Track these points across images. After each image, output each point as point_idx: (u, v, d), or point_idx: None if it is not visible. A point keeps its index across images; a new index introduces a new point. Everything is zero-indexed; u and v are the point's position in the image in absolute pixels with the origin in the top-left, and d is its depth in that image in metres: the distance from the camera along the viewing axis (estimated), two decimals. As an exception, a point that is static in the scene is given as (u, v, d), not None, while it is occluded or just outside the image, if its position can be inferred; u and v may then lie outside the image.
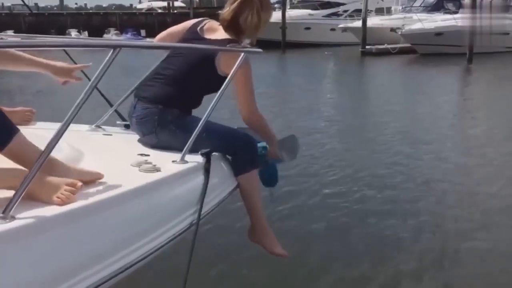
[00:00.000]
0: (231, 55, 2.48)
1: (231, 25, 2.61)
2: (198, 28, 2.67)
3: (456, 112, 10.12)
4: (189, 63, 2.55)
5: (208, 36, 2.64)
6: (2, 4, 50.42)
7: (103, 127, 2.89)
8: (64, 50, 2.68)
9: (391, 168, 5.80)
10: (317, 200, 4.79)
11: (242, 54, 2.44)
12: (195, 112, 2.59)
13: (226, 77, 2.43)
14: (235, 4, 2.61)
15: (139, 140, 2.56)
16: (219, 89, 2.40)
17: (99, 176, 1.82)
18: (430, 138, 7.36)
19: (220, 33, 2.64)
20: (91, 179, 1.79)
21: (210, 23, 2.71)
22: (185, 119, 2.47)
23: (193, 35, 2.65)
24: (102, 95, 2.94)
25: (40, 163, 1.49)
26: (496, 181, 5.33)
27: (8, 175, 1.59)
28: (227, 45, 2.54)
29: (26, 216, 1.44)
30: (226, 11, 2.64)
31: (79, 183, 1.63)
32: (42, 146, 1.58)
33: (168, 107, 2.47)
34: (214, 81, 2.49)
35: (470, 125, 8.76)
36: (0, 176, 1.59)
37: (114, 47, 1.61)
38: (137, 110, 2.53)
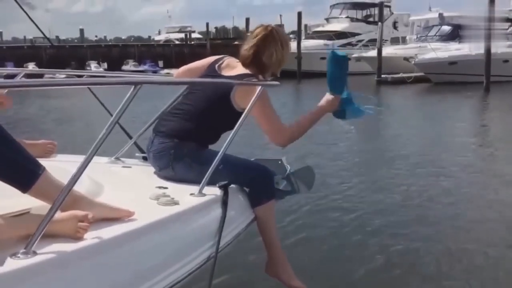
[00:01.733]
0: (246, 89, 2.48)
1: (254, 62, 2.60)
2: (217, 65, 2.66)
3: (475, 141, 10.01)
4: (206, 99, 2.55)
5: (225, 73, 2.63)
6: (25, 37, 51.74)
7: (122, 159, 2.93)
8: (90, 90, 2.75)
9: (407, 198, 5.75)
10: (333, 229, 4.75)
11: (260, 87, 2.47)
12: (212, 147, 2.61)
13: (242, 113, 2.44)
14: (257, 40, 2.60)
15: (157, 173, 2.59)
16: (234, 125, 2.42)
17: (129, 214, 1.81)
18: (447, 167, 7.29)
19: (238, 70, 2.62)
20: (120, 217, 1.80)
21: (229, 60, 2.70)
22: (201, 152, 2.48)
23: (211, 72, 2.65)
24: (122, 127, 2.98)
25: (61, 200, 1.52)
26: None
27: (30, 217, 1.61)
28: (245, 79, 2.53)
29: (47, 251, 1.46)
30: (247, 48, 2.61)
31: (90, 215, 1.64)
32: (63, 179, 1.61)
33: (185, 141, 2.47)
34: (231, 117, 2.48)
35: (489, 154, 8.68)
36: (23, 218, 1.61)
37: (136, 83, 1.65)
38: (154, 145, 2.54)
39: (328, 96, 2.82)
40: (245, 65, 2.62)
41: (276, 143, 2.63)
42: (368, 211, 5.23)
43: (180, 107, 2.63)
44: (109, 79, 1.64)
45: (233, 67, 2.65)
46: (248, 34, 2.77)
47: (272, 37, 2.60)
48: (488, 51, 20.84)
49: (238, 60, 2.68)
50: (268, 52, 2.59)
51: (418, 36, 30.34)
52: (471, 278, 3.73)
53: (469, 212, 5.26)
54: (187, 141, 2.48)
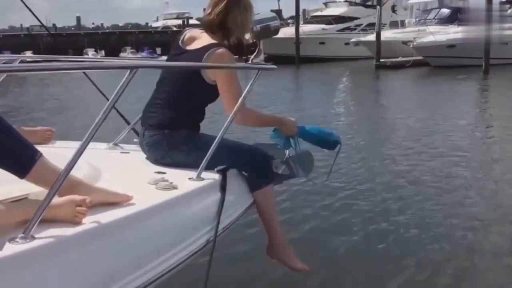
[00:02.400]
0: (214, 57, 2.42)
1: (219, 28, 2.54)
2: (180, 41, 2.60)
3: (474, 123, 10.01)
4: (178, 81, 2.51)
5: (190, 47, 2.56)
6: (21, 25, 51.44)
7: (120, 145, 2.94)
8: (85, 74, 2.74)
9: (407, 180, 5.75)
10: (330, 214, 4.76)
11: (258, 71, 2.46)
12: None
13: (216, 86, 2.46)
14: (221, 5, 2.53)
15: None
16: (216, 96, 2.46)
17: (127, 198, 1.82)
18: (448, 149, 7.29)
19: (203, 40, 2.54)
20: (118, 201, 1.80)
21: (191, 32, 2.64)
22: (196, 137, 2.48)
23: (177, 50, 2.59)
24: (120, 113, 2.98)
25: (58, 185, 1.52)
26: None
27: (27, 204, 1.61)
28: (211, 50, 2.43)
29: (45, 236, 1.46)
30: (210, 14, 2.55)
31: (88, 199, 1.64)
32: (62, 166, 1.61)
33: (174, 130, 2.46)
34: (208, 91, 2.49)
35: (490, 135, 8.69)
36: (22, 203, 1.61)
37: (131, 68, 1.64)
38: (146, 138, 2.53)
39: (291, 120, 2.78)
40: (209, 31, 2.56)
41: (228, 113, 2.44)
42: (364, 197, 5.23)
43: (160, 96, 2.58)
44: (105, 63, 1.64)
45: (197, 39, 2.58)
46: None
47: (234, 0, 2.55)
48: (487, 33, 20.75)
49: (201, 30, 2.61)
50: (232, 16, 2.54)
51: (417, 19, 30.17)
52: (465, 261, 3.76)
53: (466, 194, 5.27)
54: (177, 129, 2.46)
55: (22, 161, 1.65)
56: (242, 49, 2.70)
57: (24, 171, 1.64)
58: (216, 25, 2.55)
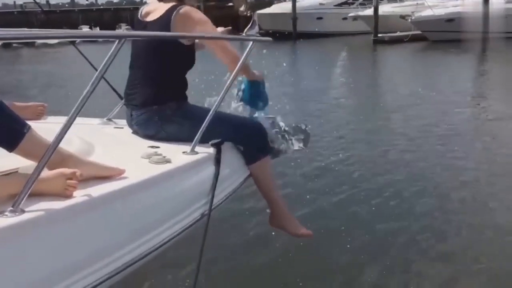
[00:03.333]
0: (181, 19, 2.38)
1: None
2: (139, 16, 2.56)
3: (472, 97, 9.99)
4: (154, 54, 2.44)
5: (149, 18, 2.52)
6: (14, 2, 50.81)
7: (114, 120, 2.90)
8: (72, 44, 2.69)
9: (404, 156, 5.75)
10: (326, 191, 4.76)
11: (251, 43, 2.41)
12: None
13: (192, 44, 2.43)
14: None
15: None
16: (193, 59, 2.45)
17: (120, 172, 1.80)
18: (447, 124, 7.27)
19: (161, 8, 2.49)
20: (110, 175, 1.78)
21: (147, 7, 2.58)
22: (186, 108, 2.45)
23: (138, 24, 2.55)
24: (113, 88, 2.95)
25: (47, 158, 1.49)
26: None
27: (17, 176, 1.58)
28: (175, 11, 2.40)
29: (35, 209, 1.44)
30: None
31: (78, 172, 1.61)
32: (51, 139, 1.58)
33: (162, 104, 2.41)
34: (184, 54, 2.46)
35: (487, 110, 8.67)
36: (10, 177, 1.58)
37: (119, 37, 1.60)
38: (135, 118, 2.49)
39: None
40: (164, 0, 2.51)
41: (226, 61, 2.50)
42: (362, 170, 5.23)
43: (137, 74, 2.52)
44: (94, 33, 1.60)
45: (155, 10, 2.53)
46: None
47: None
48: (486, 5, 20.57)
49: (156, 1, 2.55)
50: None
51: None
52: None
53: (464, 171, 5.27)
54: (165, 102, 2.41)
55: (10, 134, 1.63)
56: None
57: (12, 145, 1.62)
58: None
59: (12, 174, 1.61)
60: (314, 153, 5.59)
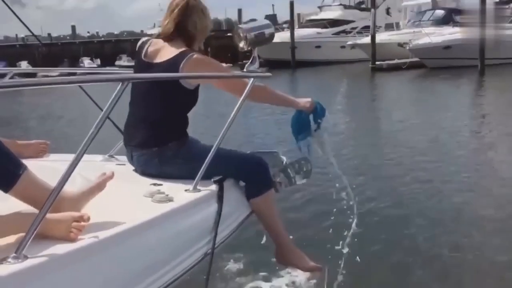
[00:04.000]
0: (192, 64, 2.36)
1: (180, 34, 2.47)
2: (143, 55, 2.51)
3: (471, 123, 10.03)
4: (156, 96, 2.40)
5: (157, 59, 2.46)
6: (16, 35, 51.37)
7: (116, 156, 2.91)
8: (81, 87, 2.72)
9: (404, 181, 5.76)
10: (330, 218, 4.73)
11: (252, 79, 2.43)
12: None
13: (196, 88, 2.43)
14: (178, 11, 2.46)
15: None
16: (196, 99, 2.43)
17: (109, 176, 1.81)
18: (446, 149, 7.31)
19: (168, 50, 2.46)
20: (103, 187, 1.79)
21: (153, 44, 2.53)
22: (187, 147, 2.42)
23: (141, 64, 2.50)
24: (115, 125, 2.95)
25: (50, 203, 1.48)
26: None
27: (19, 219, 1.58)
28: (186, 58, 2.36)
29: (38, 255, 1.43)
30: (170, 21, 2.47)
31: (86, 216, 1.61)
32: (56, 179, 1.58)
33: (162, 146, 2.39)
34: (189, 97, 2.45)
35: (488, 135, 8.71)
36: (12, 220, 1.57)
37: (123, 80, 1.62)
38: (135, 159, 2.48)
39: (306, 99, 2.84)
40: (171, 40, 2.48)
41: (239, 96, 2.42)
42: (361, 195, 5.22)
43: (138, 114, 2.50)
44: (98, 77, 1.63)
45: (161, 50, 2.49)
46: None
47: (192, 6, 2.48)
48: (482, 34, 20.82)
49: (162, 40, 2.51)
50: (192, 21, 2.48)
51: (412, 21, 30.22)
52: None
53: (460, 194, 5.27)
54: (165, 144, 2.39)
55: (5, 175, 1.61)
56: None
57: (7, 186, 1.60)
58: (177, 33, 2.47)
59: (15, 214, 1.60)
60: (313, 179, 5.57)
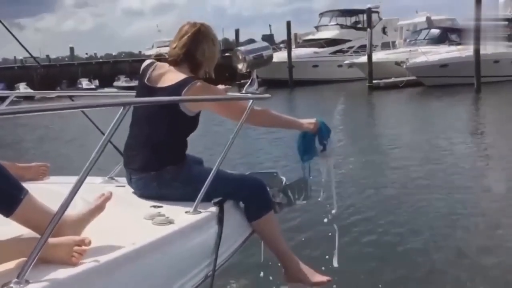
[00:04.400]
0: (194, 91, 2.37)
1: (187, 61, 2.49)
2: (146, 78, 2.52)
3: (471, 140, 10.10)
4: (156, 120, 2.41)
5: (161, 84, 2.47)
6: (15, 57, 51.66)
7: (116, 178, 2.91)
8: (83, 112, 2.74)
9: (400, 199, 5.79)
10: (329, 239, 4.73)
11: (251, 101, 2.45)
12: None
13: (197, 115, 2.45)
14: (188, 38, 2.48)
15: None
16: (196, 125, 2.44)
17: (108, 197, 1.82)
18: (444, 168, 7.32)
19: (173, 75, 2.46)
20: (102, 208, 1.80)
21: (158, 67, 2.54)
22: (185, 171, 2.42)
23: (145, 88, 2.50)
24: (116, 147, 2.96)
25: (52, 228, 1.48)
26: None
27: (20, 244, 1.58)
28: (189, 85, 2.37)
29: (40, 280, 1.43)
30: (179, 47, 2.49)
31: (87, 240, 1.61)
32: (56, 202, 1.58)
33: (161, 170, 2.39)
34: (189, 123, 2.46)
35: (484, 151, 8.76)
36: (13, 245, 1.57)
37: (124, 105, 1.64)
38: (134, 182, 2.49)
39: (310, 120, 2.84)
40: (177, 64, 2.50)
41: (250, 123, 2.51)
42: (361, 217, 5.23)
43: (137, 138, 2.50)
44: (100, 102, 1.65)
45: (165, 74, 2.50)
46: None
47: (202, 33, 2.51)
48: (477, 52, 21.01)
49: (168, 64, 2.53)
50: (201, 49, 2.49)
51: (408, 40, 30.50)
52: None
53: (459, 212, 5.29)
54: (164, 168, 2.39)
55: (6, 200, 1.60)
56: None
57: (8, 211, 1.59)
58: (185, 59, 2.49)
59: (18, 239, 1.60)
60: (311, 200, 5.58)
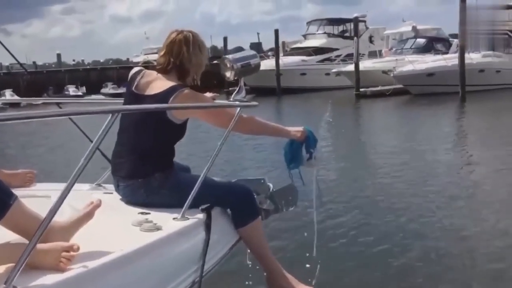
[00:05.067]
0: (182, 100, 2.38)
1: (175, 68, 2.50)
2: (134, 86, 2.53)
3: (455, 148, 10.21)
4: (143, 128, 2.43)
5: (148, 92, 2.48)
6: (1, 63, 51.27)
7: (103, 185, 2.91)
8: (71, 120, 2.76)
9: (389, 208, 5.81)
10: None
11: (239, 109, 2.48)
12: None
13: (184, 123, 2.47)
14: (175, 45, 2.50)
15: None
16: (183, 133, 2.46)
17: (97, 205, 1.83)
18: (429, 178, 7.39)
19: (161, 83, 2.48)
20: (91, 217, 1.81)
21: (146, 75, 2.56)
22: (172, 178, 2.43)
23: (133, 96, 2.51)
24: (103, 153, 2.96)
25: (40, 234, 1.49)
26: (500, 214, 5.34)
27: (8, 249, 1.58)
28: (176, 93, 2.39)
29: (28, 285, 1.44)
30: (165, 54, 2.51)
31: (76, 246, 1.62)
32: (43, 209, 1.59)
33: (148, 177, 2.41)
34: (176, 131, 2.47)
35: (470, 159, 8.89)
36: (1, 250, 1.58)
37: (113, 112, 1.66)
38: (121, 189, 2.50)
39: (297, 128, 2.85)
40: (165, 72, 2.52)
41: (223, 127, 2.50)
42: (348, 224, 5.25)
43: (125, 145, 2.51)
44: (88, 109, 1.66)
45: (153, 82, 2.51)
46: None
47: (189, 40, 2.52)
48: (462, 61, 21.30)
49: (156, 72, 2.55)
50: (188, 56, 2.51)
51: (394, 49, 30.78)
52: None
53: (441, 221, 5.33)
54: (151, 175, 2.41)
55: None
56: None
57: None
58: (172, 66, 2.51)
59: (3, 245, 1.60)
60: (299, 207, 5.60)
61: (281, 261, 2.71)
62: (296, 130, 2.83)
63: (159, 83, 2.49)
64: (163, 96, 2.40)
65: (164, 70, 2.53)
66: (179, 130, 2.50)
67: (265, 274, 2.60)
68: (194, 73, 2.59)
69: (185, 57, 2.51)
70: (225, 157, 8.41)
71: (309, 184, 3.00)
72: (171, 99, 2.39)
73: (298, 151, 2.90)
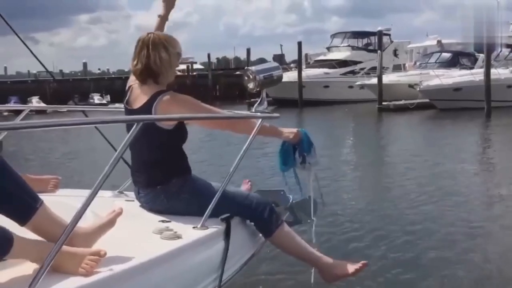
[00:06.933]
0: (163, 104, 2.39)
1: (147, 73, 2.49)
2: (125, 100, 2.60)
3: (478, 166, 10.02)
4: (143, 141, 2.34)
5: (135, 105, 2.52)
6: (28, 71, 52.30)
7: (125, 192, 2.96)
8: (97, 129, 2.81)
9: (413, 223, 5.74)
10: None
11: (260, 120, 2.51)
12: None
13: (180, 125, 2.46)
14: (143, 52, 2.48)
15: None
16: (184, 134, 2.49)
17: (119, 213, 1.87)
18: (452, 193, 7.29)
19: (142, 96, 2.50)
20: (113, 223, 1.84)
21: (134, 89, 2.58)
22: (191, 182, 2.49)
23: (126, 110, 2.58)
24: (125, 161, 3.01)
25: (64, 238, 1.52)
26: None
27: (34, 248, 1.61)
28: (156, 100, 2.40)
29: (51, 289, 1.46)
30: (136, 62, 2.51)
31: (103, 251, 1.65)
32: (66, 214, 1.62)
33: (166, 184, 2.45)
34: (172, 135, 2.47)
35: (494, 178, 8.70)
36: (27, 248, 1.61)
37: (137, 121, 1.70)
38: (142, 197, 2.56)
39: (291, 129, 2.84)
40: (143, 82, 2.52)
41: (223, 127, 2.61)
42: (371, 241, 5.20)
43: (136, 157, 2.57)
44: (113, 118, 1.70)
45: (137, 95, 2.54)
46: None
47: (153, 42, 2.49)
48: (487, 76, 20.99)
49: (139, 84, 2.55)
50: (153, 58, 2.47)
51: (418, 63, 30.50)
52: None
53: (468, 238, 5.25)
54: (169, 181, 2.46)
55: (22, 208, 1.65)
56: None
57: (24, 219, 1.64)
58: (144, 72, 2.49)
59: (39, 241, 1.64)
60: (320, 221, 5.58)
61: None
62: (289, 131, 2.80)
63: (142, 95, 2.51)
64: (146, 108, 2.42)
65: (141, 80, 2.53)
66: (176, 134, 2.48)
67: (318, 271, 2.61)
68: (165, 73, 2.53)
69: (150, 59, 2.48)
70: (241, 166, 8.43)
71: (304, 190, 2.95)
72: (153, 108, 2.41)
73: (288, 152, 2.86)
